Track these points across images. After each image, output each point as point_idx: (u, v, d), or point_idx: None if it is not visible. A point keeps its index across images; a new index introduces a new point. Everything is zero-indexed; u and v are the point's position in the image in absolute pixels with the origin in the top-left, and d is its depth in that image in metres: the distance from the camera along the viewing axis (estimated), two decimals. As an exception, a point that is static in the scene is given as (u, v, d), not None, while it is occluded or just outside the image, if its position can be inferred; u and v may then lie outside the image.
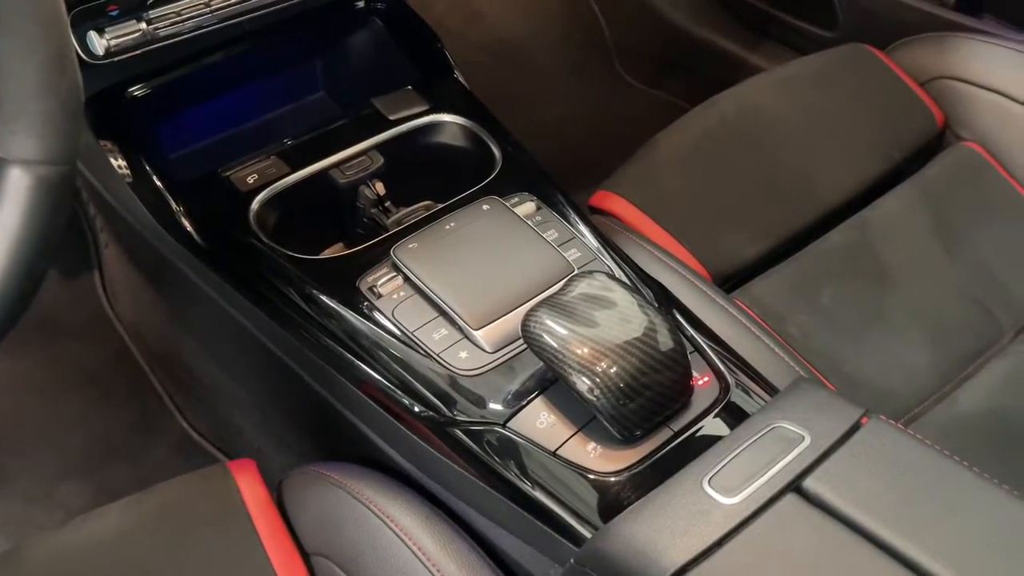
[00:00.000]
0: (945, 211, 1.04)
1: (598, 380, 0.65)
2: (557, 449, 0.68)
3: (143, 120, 0.92)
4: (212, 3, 0.85)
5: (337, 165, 0.87)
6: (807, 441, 0.61)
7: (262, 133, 1.00)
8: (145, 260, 1.10)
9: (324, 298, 0.78)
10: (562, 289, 0.69)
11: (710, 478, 0.60)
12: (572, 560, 0.62)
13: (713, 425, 0.70)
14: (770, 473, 0.60)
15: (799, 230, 1.01)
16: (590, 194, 1.02)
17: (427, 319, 0.75)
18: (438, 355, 0.73)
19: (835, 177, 1.05)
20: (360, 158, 0.88)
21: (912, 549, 0.55)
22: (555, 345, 0.66)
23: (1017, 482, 0.60)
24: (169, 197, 0.87)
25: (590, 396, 0.65)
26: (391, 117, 0.92)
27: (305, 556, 0.74)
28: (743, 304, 0.90)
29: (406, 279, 0.77)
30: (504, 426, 0.70)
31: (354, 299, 0.77)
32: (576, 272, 0.76)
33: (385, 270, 0.78)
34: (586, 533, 0.66)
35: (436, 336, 0.74)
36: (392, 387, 0.74)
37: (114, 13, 0.81)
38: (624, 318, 0.67)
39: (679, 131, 1.07)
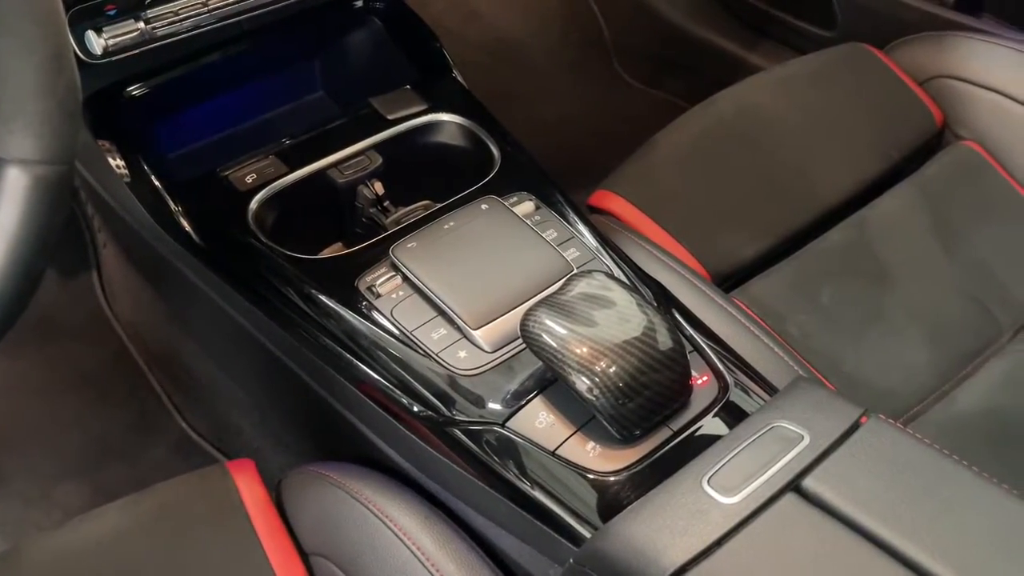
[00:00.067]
0: (944, 210, 1.04)
1: (597, 380, 0.65)
2: (556, 449, 0.68)
3: (141, 120, 0.92)
4: (210, 3, 0.85)
5: (336, 165, 0.87)
6: (806, 440, 0.61)
7: (260, 133, 1.00)
8: (143, 260, 1.10)
9: (323, 298, 0.77)
10: (561, 288, 0.69)
11: (709, 477, 0.60)
12: (571, 560, 0.62)
13: (712, 424, 0.70)
14: (769, 472, 0.60)
15: (798, 229, 1.01)
16: (589, 193, 1.02)
17: (426, 319, 0.75)
18: (437, 355, 0.73)
19: (834, 176, 1.05)
20: (359, 158, 0.88)
21: (911, 548, 0.55)
22: (554, 344, 0.66)
23: (1016, 481, 0.60)
24: (167, 197, 0.87)
25: (589, 396, 0.65)
26: (389, 117, 0.92)
27: (304, 556, 0.74)
28: (742, 303, 0.90)
29: (405, 279, 0.77)
30: (503, 426, 0.70)
31: (353, 299, 0.77)
32: (575, 271, 0.76)
33: (384, 270, 0.78)
34: (585, 533, 0.66)
35: (435, 336, 0.74)
36: (391, 387, 0.74)
37: (112, 12, 0.81)
38: (623, 317, 0.67)
39: (678, 130, 1.07)
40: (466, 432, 0.71)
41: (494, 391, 0.71)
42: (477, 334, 0.73)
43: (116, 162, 0.89)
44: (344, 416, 0.82)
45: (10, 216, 0.52)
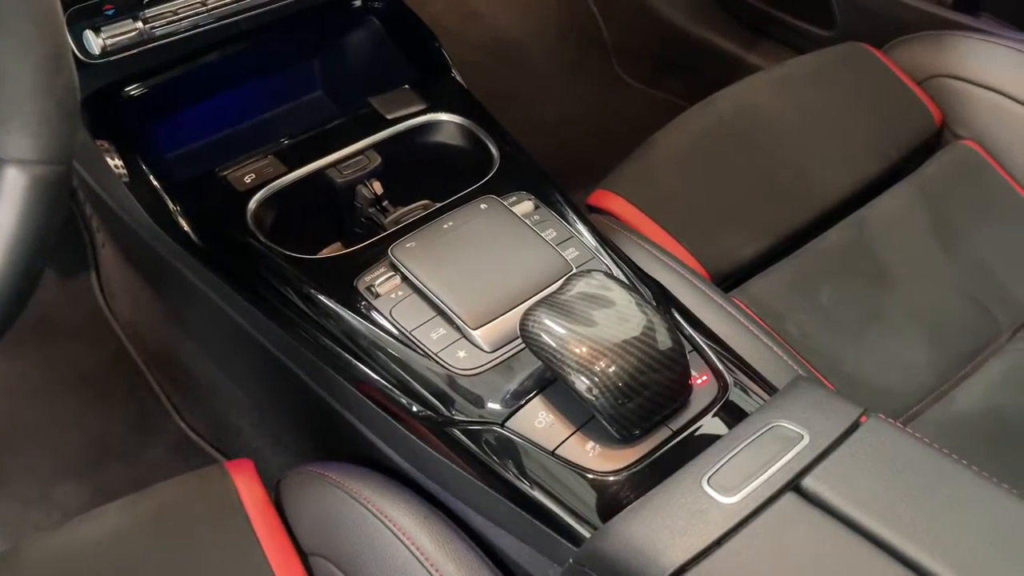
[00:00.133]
0: (943, 209, 1.04)
1: (597, 379, 0.65)
2: (556, 449, 0.68)
3: (139, 119, 0.92)
4: (208, 2, 0.85)
5: (334, 164, 0.87)
6: (806, 440, 0.61)
7: (259, 132, 1.00)
8: (142, 260, 1.10)
9: (322, 298, 0.77)
10: (560, 288, 0.69)
11: (709, 477, 0.60)
12: (571, 560, 0.62)
13: (712, 424, 0.70)
14: (769, 472, 0.60)
15: (797, 229, 1.01)
16: (588, 193, 1.02)
17: (425, 318, 0.74)
18: (436, 355, 0.73)
19: (833, 176, 1.05)
20: (357, 157, 0.88)
21: (911, 548, 0.55)
22: (553, 344, 0.66)
23: (1015, 480, 0.60)
24: (166, 197, 0.87)
25: (589, 395, 0.65)
26: (388, 116, 0.92)
27: (303, 556, 0.74)
28: (742, 303, 0.90)
29: (404, 278, 0.76)
30: (502, 426, 0.70)
31: (352, 299, 0.77)
32: (574, 271, 0.76)
33: (383, 269, 0.77)
34: (585, 533, 0.66)
35: (434, 335, 0.73)
36: (390, 387, 0.74)
37: (110, 12, 0.81)
38: (622, 317, 0.67)
39: (677, 130, 1.07)
40: (465, 432, 0.71)
41: (493, 391, 0.71)
42: (476, 334, 0.73)
43: (114, 162, 0.89)
44: (343, 416, 0.82)
45: (8, 216, 0.52)
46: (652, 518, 0.58)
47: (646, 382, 0.66)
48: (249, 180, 0.85)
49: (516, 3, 1.74)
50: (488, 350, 0.73)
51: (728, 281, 0.96)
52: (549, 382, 0.71)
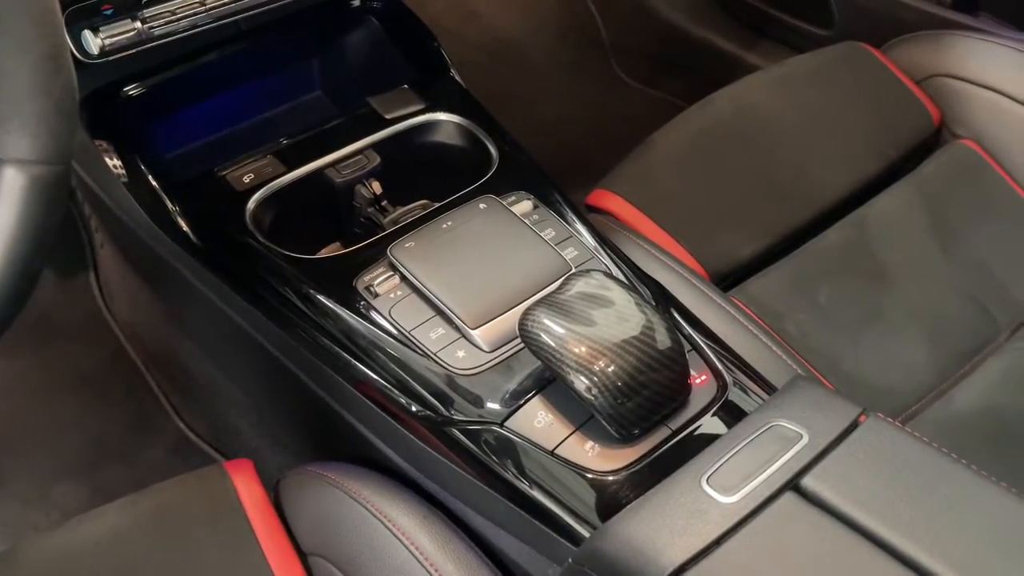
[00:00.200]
0: (942, 209, 1.04)
1: (596, 379, 0.65)
2: (555, 448, 0.68)
3: (138, 119, 0.91)
4: (207, 2, 0.85)
5: (333, 164, 0.87)
6: (805, 439, 0.61)
7: (258, 132, 1.00)
8: (141, 260, 1.10)
9: (321, 297, 0.77)
10: (559, 288, 0.69)
11: (708, 477, 0.60)
12: (570, 559, 0.62)
13: (711, 424, 0.70)
14: (768, 471, 0.60)
15: (796, 228, 1.01)
16: (587, 193, 1.02)
17: (424, 318, 0.74)
18: (435, 354, 0.73)
19: (832, 175, 1.05)
20: (356, 157, 0.88)
21: (910, 547, 0.55)
22: (553, 344, 0.66)
23: (1014, 479, 0.60)
24: (165, 197, 0.87)
25: (588, 395, 0.65)
26: (387, 116, 0.92)
27: (302, 556, 0.74)
28: (741, 303, 0.90)
29: (403, 278, 0.76)
30: (502, 425, 0.70)
31: (351, 298, 0.76)
32: (573, 271, 0.76)
33: (382, 269, 0.77)
34: (584, 532, 0.66)
35: (433, 335, 0.73)
36: (389, 386, 0.74)
37: (108, 12, 0.81)
38: (622, 317, 0.67)
39: (676, 130, 1.07)
40: (465, 432, 0.71)
41: (492, 391, 0.71)
42: (475, 334, 0.73)
43: (113, 162, 0.89)
44: (342, 416, 0.82)
45: (7, 216, 0.52)
46: (651, 517, 0.58)
47: (645, 381, 0.66)
48: (248, 180, 0.85)
49: (515, 3, 1.74)
50: (487, 350, 0.73)
51: (727, 281, 0.96)
52: (548, 382, 0.71)
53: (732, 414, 0.71)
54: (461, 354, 0.73)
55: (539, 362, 0.69)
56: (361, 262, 0.79)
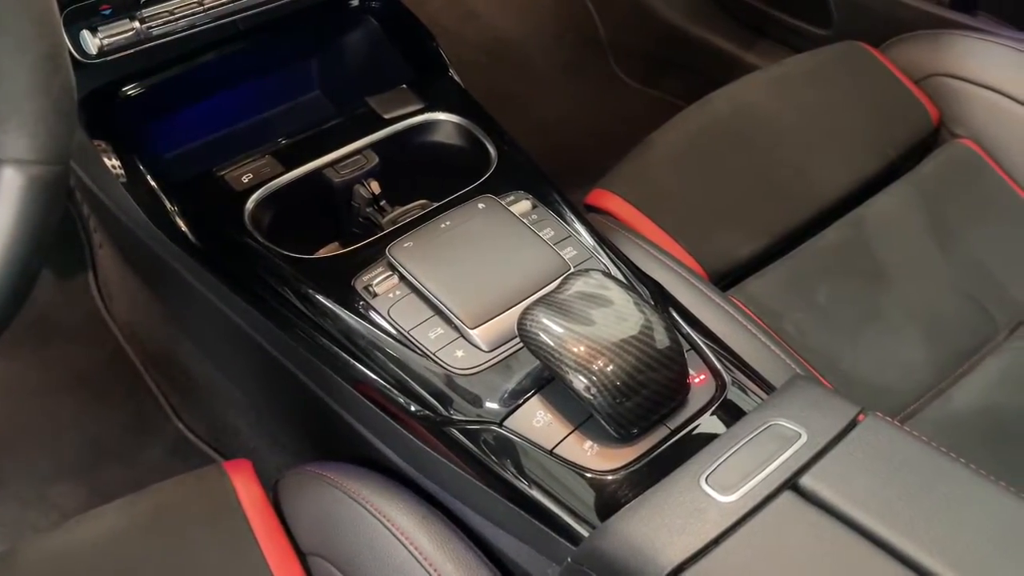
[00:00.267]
0: (940, 208, 1.04)
1: (595, 378, 0.65)
2: (554, 448, 0.68)
3: (137, 119, 0.91)
4: (205, 2, 0.85)
5: (332, 164, 0.87)
6: (804, 438, 0.61)
7: (257, 132, 1.00)
8: (140, 260, 1.10)
9: (320, 297, 0.77)
10: (558, 287, 0.69)
11: (707, 476, 0.60)
12: (569, 559, 0.62)
13: (710, 423, 0.70)
14: (767, 471, 0.60)
15: (795, 228, 1.01)
16: (586, 192, 1.02)
17: (423, 318, 0.74)
18: (434, 354, 0.73)
19: (830, 175, 1.05)
20: (355, 157, 0.88)
21: (909, 546, 0.55)
22: (551, 343, 0.66)
23: (1013, 478, 0.60)
24: (163, 197, 0.87)
25: (587, 394, 0.65)
26: (386, 116, 0.92)
27: (301, 556, 0.74)
28: (739, 302, 0.90)
29: (402, 278, 0.76)
30: (501, 425, 0.70)
31: (349, 298, 0.76)
32: (572, 270, 0.76)
33: (380, 269, 0.77)
34: (583, 532, 0.66)
35: (432, 335, 0.73)
36: (388, 386, 0.74)
37: (107, 12, 0.81)
38: (620, 316, 0.67)
39: (674, 129, 1.07)
40: (464, 431, 0.71)
41: (491, 390, 0.71)
42: (474, 333, 0.73)
43: (112, 162, 0.89)
44: (341, 416, 0.82)
45: (5, 216, 0.52)
46: (650, 517, 0.58)
47: (644, 381, 0.66)
48: (246, 180, 0.85)
49: (513, 3, 1.74)
50: (486, 349, 0.73)
51: (726, 280, 0.96)
52: (547, 381, 0.71)
53: (731, 413, 0.71)
54: (460, 354, 0.73)
55: (538, 362, 0.69)
56: (360, 262, 0.79)
